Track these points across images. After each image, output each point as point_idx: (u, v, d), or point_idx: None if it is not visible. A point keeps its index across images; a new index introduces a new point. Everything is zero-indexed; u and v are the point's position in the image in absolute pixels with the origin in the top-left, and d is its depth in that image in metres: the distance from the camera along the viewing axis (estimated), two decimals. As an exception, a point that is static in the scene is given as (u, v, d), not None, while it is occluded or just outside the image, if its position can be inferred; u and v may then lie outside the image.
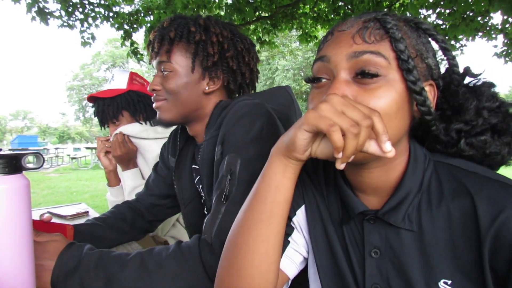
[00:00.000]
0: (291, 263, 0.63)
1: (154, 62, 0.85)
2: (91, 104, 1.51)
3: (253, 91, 0.95)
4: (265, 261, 0.53)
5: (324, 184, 0.63)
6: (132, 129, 1.41)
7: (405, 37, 0.50)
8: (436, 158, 0.55)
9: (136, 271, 0.65)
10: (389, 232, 0.53)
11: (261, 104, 0.76)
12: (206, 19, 0.86)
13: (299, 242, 0.64)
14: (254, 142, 0.71)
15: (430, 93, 0.53)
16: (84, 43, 4.79)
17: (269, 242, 0.53)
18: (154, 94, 0.86)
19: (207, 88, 0.84)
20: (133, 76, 1.51)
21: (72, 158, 12.19)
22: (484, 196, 0.47)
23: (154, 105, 0.86)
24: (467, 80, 0.55)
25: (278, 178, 0.52)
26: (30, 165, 0.63)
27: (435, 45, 0.56)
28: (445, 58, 0.55)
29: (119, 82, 1.48)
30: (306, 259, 0.66)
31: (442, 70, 0.57)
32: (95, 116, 1.51)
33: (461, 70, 0.55)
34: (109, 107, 1.44)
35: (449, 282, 0.48)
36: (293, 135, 0.47)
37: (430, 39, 0.54)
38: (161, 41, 0.82)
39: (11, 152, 0.57)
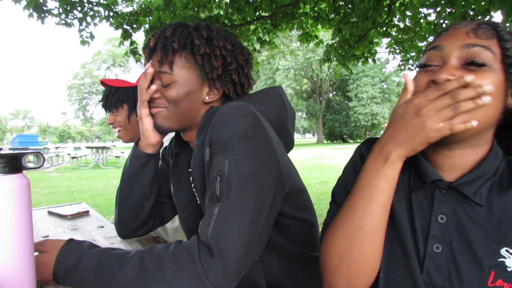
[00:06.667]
0: None
1: (152, 69, 0.82)
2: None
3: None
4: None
5: None
6: None
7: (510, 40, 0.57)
8: (509, 157, 0.60)
9: (135, 271, 0.65)
10: (458, 203, 0.57)
11: (245, 105, 0.77)
12: (208, 30, 0.85)
13: None
14: (240, 142, 0.71)
15: None
16: (83, 42, 4.77)
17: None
18: (152, 102, 0.85)
19: (207, 98, 0.84)
20: None
21: (73, 157, 12.17)
22: None
23: (151, 110, 0.86)
24: None
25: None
26: (30, 165, 0.63)
27: None
28: None
29: (132, 75, 1.47)
30: None
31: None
32: (100, 101, 1.50)
33: None
34: (113, 96, 1.44)
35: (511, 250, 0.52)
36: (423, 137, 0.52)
37: None
38: (163, 50, 0.80)
39: (11, 151, 0.57)
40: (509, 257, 0.52)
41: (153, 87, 0.83)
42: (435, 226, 0.57)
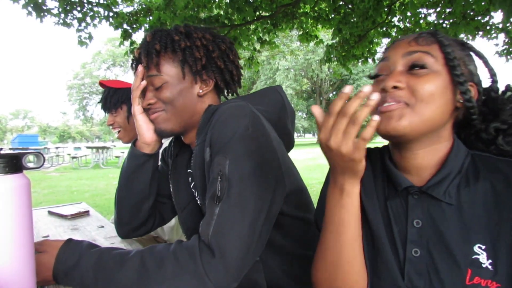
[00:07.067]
0: None
1: (142, 68, 0.85)
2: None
3: (238, 87, 0.95)
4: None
5: (370, 166, 0.69)
6: None
7: (451, 45, 0.60)
8: (473, 152, 0.62)
9: (135, 270, 0.65)
10: (431, 205, 0.59)
11: (244, 105, 0.77)
12: (185, 26, 0.88)
13: None
14: (240, 142, 0.71)
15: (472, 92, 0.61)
16: (81, 43, 4.72)
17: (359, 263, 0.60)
18: (150, 109, 0.86)
19: (201, 91, 0.86)
20: None
21: (73, 157, 12.17)
22: None
23: (151, 117, 0.87)
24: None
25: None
26: (30, 165, 0.63)
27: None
28: (486, 69, 0.64)
29: (131, 76, 1.48)
30: None
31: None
32: (99, 102, 1.50)
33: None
34: (112, 97, 1.45)
35: (484, 247, 0.54)
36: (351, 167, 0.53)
37: (472, 54, 0.64)
38: (148, 55, 0.83)
39: (11, 151, 0.57)
40: (482, 254, 0.53)
41: (143, 82, 0.85)
42: (412, 231, 0.59)
